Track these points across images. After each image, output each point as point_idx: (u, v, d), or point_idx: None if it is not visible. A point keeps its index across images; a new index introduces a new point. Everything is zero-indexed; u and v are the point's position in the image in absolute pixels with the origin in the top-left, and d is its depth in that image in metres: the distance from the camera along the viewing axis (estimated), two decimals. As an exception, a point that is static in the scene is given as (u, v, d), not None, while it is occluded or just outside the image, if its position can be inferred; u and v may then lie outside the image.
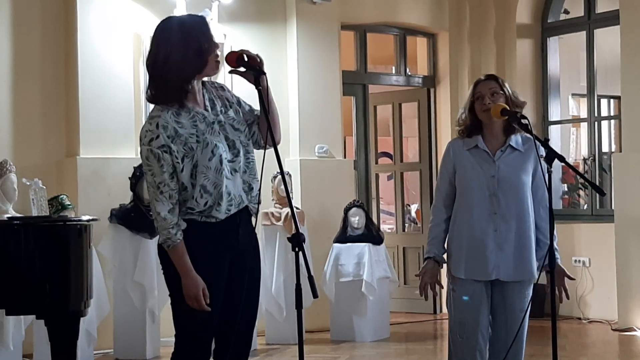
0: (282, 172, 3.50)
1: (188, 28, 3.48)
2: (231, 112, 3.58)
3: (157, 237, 3.52)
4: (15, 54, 7.65)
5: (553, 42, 9.94)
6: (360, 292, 7.98)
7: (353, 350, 7.71)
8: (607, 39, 9.50)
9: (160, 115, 3.44)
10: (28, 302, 4.94)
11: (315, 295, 3.22)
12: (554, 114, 9.97)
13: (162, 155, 3.41)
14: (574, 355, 7.25)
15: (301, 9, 8.72)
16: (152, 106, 3.54)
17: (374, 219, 9.23)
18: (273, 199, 8.02)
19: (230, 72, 3.55)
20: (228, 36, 8.32)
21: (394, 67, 10.12)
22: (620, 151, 8.96)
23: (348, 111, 9.64)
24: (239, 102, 3.64)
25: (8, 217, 5.83)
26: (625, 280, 8.43)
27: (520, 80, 9.61)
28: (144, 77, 7.66)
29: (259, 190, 3.60)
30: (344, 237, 8.19)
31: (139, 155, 3.54)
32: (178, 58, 3.42)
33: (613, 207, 8.72)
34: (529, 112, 4.55)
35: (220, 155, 3.46)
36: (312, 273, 3.23)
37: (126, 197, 7.39)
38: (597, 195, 9.28)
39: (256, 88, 3.47)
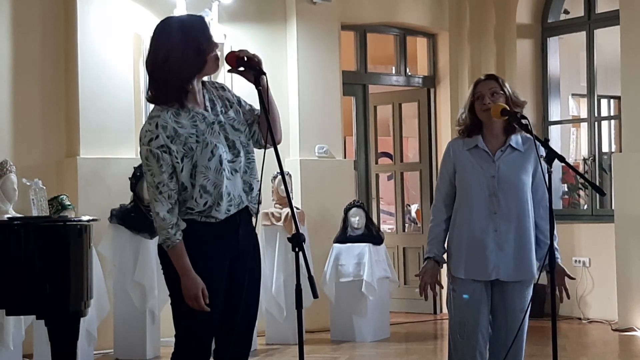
0: (282, 172, 3.50)
1: (187, 28, 3.48)
2: (231, 113, 3.58)
3: (157, 237, 3.52)
4: (15, 54, 7.65)
5: (553, 42, 9.94)
6: (361, 292, 7.98)
7: (353, 350, 7.71)
8: (607, 39, 9.50)
9: (159, 116, 3.44)
10: (28, 302, 4.93)
11: (315, 296, 3.22)
12: (554, 114, 9.98)
13: (161, 155, 3.41)
14: (574, 355, 7.25)
15: (301, 9, 8.72)
16: (152, 106, 3.54)
17: (374, 219, 9.24)
18: (273, 199, 8.02)
19: (229, 71, 3.55)
20: (228, 36, 8.32)
21: (394, 67, 10.12)
22: (621, 151, 8.96)
23: (348, 111, 9.64)
24: (239, 101, 3.64)
25: (8, 217, 5.83)
26: (625, 280, 8.43)
27: (520, 80, 9.61)
28: (144, 77, 7.66)
29: (259, 190, 3.60)
30: (344, 237, 8.19)
31: (139, 156, 3.54)
32: (178, 58, 3.42)
33: (613, 207, 8.72)
34: (529, 112, 4.55)
35: (220, 156, 3.46)
36: (312, 273, 3.24)
37: (126, 197, 7.39)
38: (597, 195, 9.28)
39: (256, 88, 3.47)
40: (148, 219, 6.90)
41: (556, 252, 4.12)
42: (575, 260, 9.06)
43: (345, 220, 8.24)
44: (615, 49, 8.92)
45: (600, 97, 9.82)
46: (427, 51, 10.11)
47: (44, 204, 6.37)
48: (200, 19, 3.57)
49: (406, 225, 10.71)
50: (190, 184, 3.45)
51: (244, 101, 3.66)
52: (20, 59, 7.66)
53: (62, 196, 6.78)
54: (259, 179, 3.60)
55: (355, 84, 9.57)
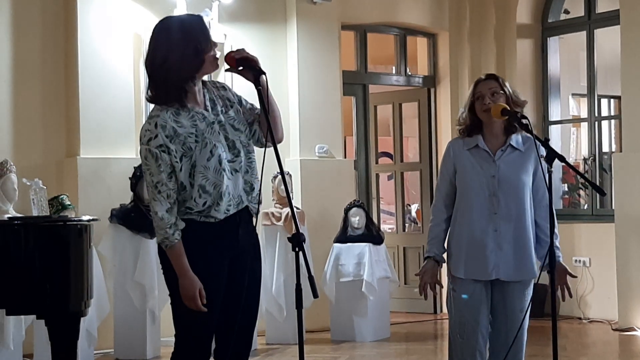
0: (282, 172, 3.50)
1: (186, 28, 3.48)
2: (232, 112, 3.58)
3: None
4: (15, 54, 7.65)
5: (553, 42, 9.94)
6: (361, 292, 7.98)
7: (353, 350, 7.71)
8: (607, 38, 9.50)
9: (159, 115, 3.44)
10: (28, 302, 4.94)
11: (315, 295, 3.22)
12: (554, 113, 9.98)
13: (160, 154, 3.41)
14: (575, 355, 7.25)
15: (301, 9, 8.72)
16: (152, 106, 3.54)
17: (374, 219, 9.23)
18: (273, 199, 8.02)
19: (227, 70, 3.56)
20: (228, 36, 8.32)
21: (394, 67, 10.12)
22: (621, 151, 8.96)
23: (348, 111, 9.64)
24: (240, 101, 3.64)
25: (8, 217, 5.83)
26: (625, 280, 8.43)
27: (521, 80, 9.61)
28: (144, 77, 7.64)
29: (260, 190, 3.60)
30: (344, 237, 8.19)
31: (139, 155, 3.55)
32: (177, 58, 3.42)
33: (613, 207, 8.72)
34: (529, 112, 4.55)
35: (220, 156, 3.46)
36: (312, 273, 3.24)
37: (126, 197, 7.39)
38: (598, 195, 9.28)
39: (256, 87, 3.47)
40: (148, 219, 6.89)
41: (557, 251, 4.12)
42: (576, 260, 9.06)
43: (346, 220, 8.24)
44: (615, 48, 8.92)
45: (600, 97, 9.82)
46: (427, 51, 10.11)
47: (44, 203, 6.37)
48: (199, 19, 3.57)
49: (406, 225, 10.71)
50: (189, 183, 3.45)
51: (245, 100, 3.66)
52: (20, 59, 7.66)
53: (62, 196, 6.78)
54: (259, 178, 3.60)
55: (356, 83, 9.57)
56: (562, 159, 3.85)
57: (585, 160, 10.32)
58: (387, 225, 11.02)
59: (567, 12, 10.05)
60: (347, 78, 9.29)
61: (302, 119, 8.73)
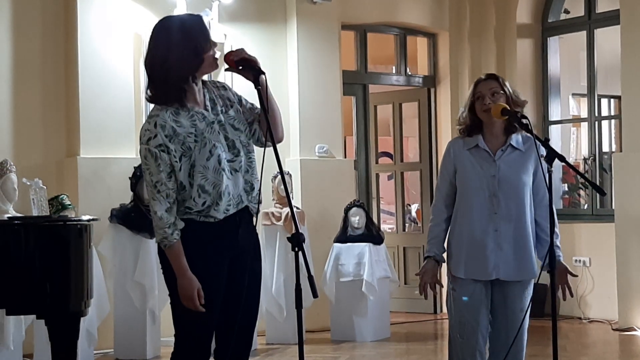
0: (282, 172, 3.49)
1: (186, 27, 3.48)
2: (232, 112, 3.58)
3: (156, 236, 3.52)
4: (15, 54, 7.65)
5: (553, 42, 9.94)
6: (361, 292, 7.98)
7: (353, 350, 7.71)
8: (608, 38, 9.50)
9: (158, 115, 3.44)
10: (28, 302, 4.93)
11: (315, 295, 3.22)
12: (554, 113, 9.98)
13: (159, 154, 3.41)
14: (575, 355, 7.25)
15: (301, 8, 8.72)
16: (152, 106, 3.54)
17: (374, 219, 9.23)
18: (273, 199, 8.02)
19: (227, 70, 3.56)
20: (228, 36, 8.32)
21: (394, 67, 10.12)
22: (621, 151, 8.96)
23: (348, 111, 9.64)
24: (240, 100, 3.64)
25: (8, 217, 5.83)
26: (625, 280, 8.43)
27: (521, 80, 9.61)
28: (144, 77, 7.63)
29: (259, 190, 3.60)
30: (344, 237, 8.19)
31: (139, 155, 3.55)
32: (176, 57, 3.42)
33: (613, 207, 8.72)
34: (529, 112, 4.55)
35: (219, 155, 3.46)
36: (312, 273, 3.24)
37: (126, 197, 7.39)
38: (598, 195, 9.28)
39: (255, 87, 3.47)
40: (148, 219, 6.86)
41: (558, 251, 4.12)
42: (576, 260, 9.06)
43: (346, 220, 8.24)
44: (615, 48, 8.92)
45: (600, 96, 9.82)
46: (427, 51, 10.11)
47: (44, 203, 6.37)
48: (199, 18, 3.57)
49: (406, 225, 10.71)
50: (188, 183, 3.46)
51: (245, 100, 3.66)
52: (20, 59, 7.66)
53: (62, 196, 6.78)
54: (260, 178, 3.60)
55: (356, 83, 9.57)
56: (562, 158, 3.85)
57: (585, 160, 10.32)
58: (387, 225, 11.02)
59: (567, 12, 10.05)
60: (347, 78, 9.29)
61: (302, 119, 8.73)
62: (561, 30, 9.94)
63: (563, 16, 10.00)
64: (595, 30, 9.39)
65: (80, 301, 5.03)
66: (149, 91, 3.52)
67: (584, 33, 9.52)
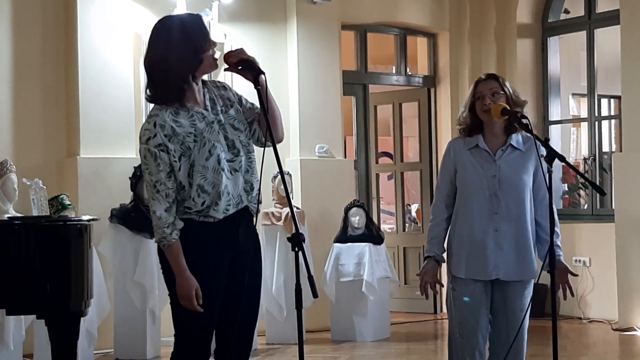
0: (281, 172, 3.49)
1: (186, 27, 3.48)
2: (232, 112, 3.58)
3: (156, 236, 3.51)
4: (15, 54, 7.65)
5: (553, 42, 9.94)
6: (361, 292, 7.98)
7: (353, 350, 7.71)
8: (608, 38, 9.49)
9: (158, 115, 3.45)
10: (28, 302, 4.93)
11: (315, 295, 3.22)
12: (555, 113, 9.98)
13: (158, 154, 3.41)
14: (575, 355, 7.25)
15: (301, 8, 8.72)
16: (152, 106, 3.54)
17: (375, 219, 9.23)
18: (273, 199, 8.02)
19: (226, 69, 3.56)
20: (228, 36, 8.32)
21: (394, 67, 10.12)
22: (621, 151, 8.96)
23: (348, 111, 9.64)
24: (240, 100, 3.64)
25: (8, 217, 5.83)
26: (625, 280, 8.43)
27: (521, 80, 9.61)
28: (144, 77, 7.63)
29: (259, 190, 3.60)
30: (344, 237, 8.19)
31: (139, 155, 3.55)
32: (176, 57, 3.42)
33: (613, 207, 8.72)
34: (529, 112, 4.55)
35: (218, 155, 3.46)
36: (313, 273, 3.24)
37: (126, 197, 7.39)
38: (598, 195, 9.28)
39: (255, 87, 3.47)
40: (148, 219, 6.82)
41: (558, 250, 4.12)
42: (576, 260, 9.06)
43: (346, 220, 8.23)
44: (615, 48, 8.92)
45: (600, 96, 9.82)
46: (427, 51, 10.11)
47: (44, 203, 6.37)
48: (199, 18, 3.57)
49: (406, 225, 10.71)
50: (188, 183, 3.46)
51: (246, 100, 3.66)
52: (20, 59, 7.66)
53: (62, 196, 6.78)
54: (259, 178, 3.60)
55: (356, 83, 9.56)
56: (562, 158, 3.85)
57: (585, 160, 10.32)
58: (387, 225, 11.02)
59: (567, 12, 10.05)
60: (347, 78, 9.29)
61: (302, 119, 8.73)
62: (561, 30, 9.94)
63: (563, 16, 10.00)
64: (595, 30, 9.39)
65: (80, 301, 5.03)
66: (148, 91, 3.52)
67: (584, 33, 9.52)
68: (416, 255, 9.89)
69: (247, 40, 8.36)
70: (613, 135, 11.01)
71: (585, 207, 10.26)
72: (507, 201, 4.14)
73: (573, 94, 11.71)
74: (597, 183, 9.33)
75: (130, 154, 7.71)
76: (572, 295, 4.17)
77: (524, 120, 4.02)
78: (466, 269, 4.18)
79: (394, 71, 10.10)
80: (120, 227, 7.28)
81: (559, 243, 4.15)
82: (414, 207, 11.37)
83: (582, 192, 10.85)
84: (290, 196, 7.59)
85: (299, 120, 8.70)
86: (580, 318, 9.00)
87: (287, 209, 7.86)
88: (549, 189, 3.89)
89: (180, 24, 3.51)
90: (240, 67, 3.52)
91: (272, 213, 7.95)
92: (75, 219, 5.35)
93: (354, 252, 8.06)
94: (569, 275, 4.16)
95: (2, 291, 4.89)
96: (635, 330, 8.24)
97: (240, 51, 3.52)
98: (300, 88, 8.73)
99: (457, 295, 4.21)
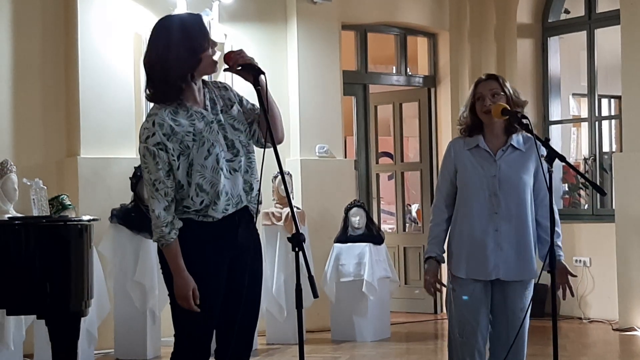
0: (282, 172, 3.49)
1: (185, 26, 3.49)
2: (232, 112, 3.58)
3: (157, 236, 3.51)
4: (15, 54, 7.65)
5: (554, 42, 9.94)
6: (361, 292, 7.98)
7: (354, 350, 7.70)
8: (608, 38, 9.49)
9: (157, 114, 3.45)
10: (29, 302, 4.93)
11: (315, 295, 3.22)
12: (555, 113, 9.98)
13: (157, 152, 3.41)
14: (575, 355, 7.25)
15: (301, 8, 8.72)
16: (152, 105, 3.55)
17: (375, 219, 9.23)
18: (274, 199, 8.02)
19: (226, 70, 3.56)
20: (228, 36, 8.31)
21: (394, 67, 10.12)
22: (621, 151, 8.96)
23: (348, 111, 9.64)
24: (241, 101, 3.64)
25: (9, 217, 5.83)
26: (625, 280, 8.43)
27: (521, 80, 9.61)
28: (144, 77, 7.65)
29: (259, 190, 3.60)
30: (344, 237, 8.19)
31: (138, 154, 3.55)
32: (174, 56, 3.43)
33: (614, 207, 8.72)
34: (529, 112, 4.56)
35: (217, 155, 3.46)
36: (313, 273, 3.24)
37: (127, 197, 7.39)
38: (598, 195, 9.28)
39: (255, 88, 3.47)
40: (148, 219, 6.77)
41: (559, 250, 4.12)
42: (576, 260, 9.06)
43: (346, 220, 8.23)
44: (615, 48, 8.92)
45: (600, 96, 9.82)
46: (427, 51, 10.11)
47: (44, 203, 6.37)
48: (198, 18, 3.58)
49: (407, 225, 10.71)
50: (186, 182, 3.46)
51: (246, 100, 3.66)
52: (21, 59, 7.66)
53: (62, 196, 6.78)
54: (259, 178, 3.59)
55: (356, 83, 9.56)
56: (562, 158, 3.85)
57: (585, 160, 10.32)
58: (387, 225, 11.02)
59: (567, 12, 10.05)
60: (347, 78, 9.29)
61: (302, 119, 8.73)
62: (561, 30, 9.94)
63: (563, 16, 10.00)
64: (595, 30, 9.39)
65: (80, 301, 5.04)
66: (148, 90, 3.53)
67: (584, 33, 9.52)
68: (416, 255, 9.89)
69: (247, 40, 8.36)
70: (613, 135, 11.01)
71: (586, 207, 10.26)
72: (507, 201, 4.14)
73: (573, 94, 11.71)
74: (598, 183, 9.33)
75: (130, 154, 7.71)
76: (572, 295, 4.18)
77: (524, 121, 4.02)
78: (466, 269, 4.18)
79: (394, 71, 10.10)
80: (121, 227, 7.28)
81: (559, 243, 4.15)
82: (414, 207, 11.37)
83: (582, 192, 10.85)
84: (291, 196, 7.58)
85: (299, 120, 8.70)
86: (580, 318, 9.00)
87: (287, 209, 7.86)
88: (549, 189, 3.89)
89: (180, 23, 3.51)
90: (239, 68, 3.52)
91: (273, 213, 7.95)
92: (76, 219, 5.35)
93: (354, 252, 8.06)
94: (569, 276, 4.16)
95: (3, 291, 4.89)
96: (636, 330, 8.24)
97: (240, 53, 3.52)
98: (300, 88, 8.73)
99: (457, 295, 4.21)
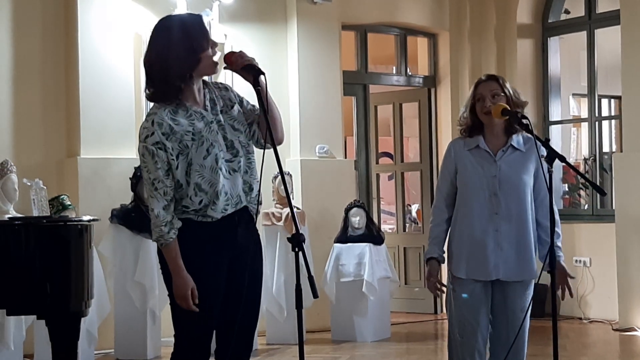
0: (282, 173, 3.49)
1: (185, 26, 3.49)
2: (232, 112, 3.58)
3: (157, 235, 3.51)
4: (15, 54, 7.65)
5: (554, 42, 9.94)
6: (361, 292, 7.98)
7: (354, 350, 7.71)
8: (608, 38, 9.49)
9: (156, 113, 3.46)
10: (29, 302, 4.93)
11: (315, 296, 3.22)
12: (555, 114, 9.98)
13: (156, 152, 3.42)
14: (575, 355, 7.25)
15: (302, 9, 8.72)
16: (152, 105, 3.55)
17: (375, 219, 9.23)
18: (274, 199, 8.02)
19: (226, 68, 3.56)
20: (228, 36, 8.31)
21: (394, 67, 10.12)
22: (621, 151, 8.96)
23: (349, 111, 9.64)
24: (241, 101, 3.64)
25: (9, 217, 5.83)
26: (625, 280, 8.43)
27: (521, 80, 9.61)
28: (144, 77, 7.65)
29: (259, 190, 3.60)
30: (344, 237, 8.19)
31: (138, 153, 3.55)
32: (174, 56, 3.43)
33: (614, 207, 8.72)
34: (529, 112, 4.55)
35: (216, 155, 3.46)
36: (313, 273, 3.24)
37: (127, 197, 7.39)
38: (598, 195, 9.28)
39: (254, 88, 3.47)
40: (149, 219, 6.80)
41: (558, 251, 4.12)
42: (576, 260, 9.06)
43: (346, 220, 8.24)
44: (615, 48, 8.92)
45: (600, 97, 9.82)
46: (427, 51, 10.11)
47: (44, 204, 6.37)
48: (198, 18, 3.58)
49: (407, 225, 10.71)
50: (185, 181, 3.46)
51: (247, 101, 3.66)
52: (21, 59, 7.67)
53: (62, 196, 6.78)
54: (259, 179, 3.59)
55: (356, 83, 9.56)
56: (562, 159, 3.85)
57: (585, 160, 10.32)
58: (387, 226, 11.02)
59: (567, 12, 10.05)
60: (347, 78, 9.29)
61: (302, 119, 8.73)
62: (561, 31, 9.94)
63: (563, 16, 10.00)
64: (595, 31, 9.39)
65: (80, 301, 5.04)
66: (147, 89, 3.54)
67: (584, 33, 9.52)
68: (416, 255, 9.89)
69: (248, 40, 8.37)
70: (613, 135, 11.01)
71: (586, 207, 10.26)
72: (508, 201, 4.14)
73: (573, 94, 11.71)
74: (598, 183, 9.33)
75: (130, 154, 7.71)
76: (571, 296, 4.18)
77: (524, 121, 4.03)
78: (466, 269, 4.19)
79: (394, 71, 10.10)
80: (121, 227, 7.29)
81: (559, 244, 4.15)
82: (415, 208, 11.37)
83: (582, 192, 10.85)
84: (291, 196, 7.59)
85: (299, 121, 8.70)
86: (580, 318, 9.01)
87: (287, 209, 7.86)
88: (550, 189, 3.89)
89: (180, 23, 3.52)
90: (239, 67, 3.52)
91: (273, 213, 7.95)
92: (76, 219, 5.35)
93: (355, 252, 8.06)
94: (567, 278, 4.16)
95: (3, 291, 4.89)
96: (636, 330, 8.24)
97: (240, 54, 3.51)
98: (300, 88, 8.73)
99: (457, 296, 4.21)
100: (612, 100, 11.32)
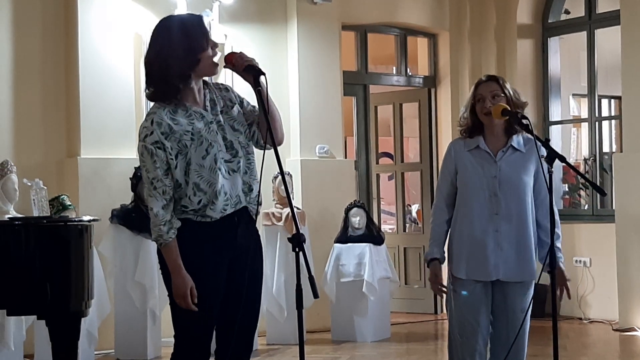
0: (282, 173, 3.49)
1: (186, 26, 3.49)
2: (232, 113, 3.58)
3: (157, 235, 3.51)
4: (15, 54, 7.65)
5: (554, 42, 9.94)
6: (361, 292, 7.98)
7: (354, 350, 7.71)
8: (608, 39, 9.50)
9: (156, 113, 3.46)
10: (29, 303, 4.93)
11: (315, 296, 3.22)
12: (555, 114, 9.98)
13: (155, 151, 3.42)
14: (575, 355, 7.25)
15: (302, 9, 8.72)
16: (152, 105, 3.56)
17: (375, 219, 9.23)
18: (274, 199, 8.02)
19: (226, 66, 3.56)
20: (229, 36, 8.31)
21: (394, 67, 10.12)
22: (621, 151, 8.96)
23: (349, 111, 9.64)
24: (241, 102, 3.64)
25: (9, 218, 5.83)
26: (626, 280, 8.43)
27: (521, 80, 9.61)
28: (144, 77, 7.65)
29: (259, 191, 3.60)
30: (344, 237, 8.19)
31: (138, 153, 3.56)
32: (174, 56, 3.43)
33: (614, 207, 8.72)
34: (529, 112, 4.55)
35: (215, 155, 3.46)
36: (313, 273, 3.24)
37: (127, 198, 7.39)
38: (598, 195, 9.28)
39: (254, 88, 3.47)
40: (149, 219, 6.84)
41: (558, 252, 4.11)
42: (576, 260, 9.07)
43: (346, 220, 8.24)
44: (615, 48, 8.92)
45: (600, 97, 9.83)
46: (427, 51, 10.11)
47: (44, 204, 6.37)
48: (198, 18, 3.58)
49: (407, 225, 10.71)
50: (184, 181, 3.46)
51: (247, 102, 3.66)
52: (21, 59, 7.66)
53: (62, 196, 6.78)
54: (259, 179, 3.59)
55: (356, 84, 9.56)
56: (562, 159, 3.85)
57: (585, 160, 10.32)
58: (387, 226, 11.02)
59: (567, 12, 10.05)
60: (347, 78, 9.29)
61: (302, 119, 8.73)
62: (561, 31, 9.94)
63: (563, 16, 10.00)
64: (595, 31, 9.39)
65: (80, 301, 5.04)
66: (147, 89, 3.54)
67: (584, 33, 9.52)
68: (416, 255, 9.89)
69: (248, 40, 8.37)
70: (613, 135, 11.01)
71: (586, 207, 10.26)
72: (508, 202, 4.14)
73: (573, 95, 11.71)
74: (598, 183, 9.34)
75: (130, 154, 7.71)
76: (569, 298, 4.18)
77: (524, 121, 4.03)
78: (467, 269, 4.18)
79: (394, 71, 10.11)
80: (121, 227, 7.28)
81: (559, 245, 4.15)
82: (415, 208, 11.37)
83: (582, 193, 10.85)
84: (291, 196, 7.58)
85: (299, 121, 8.70)
86: (580, 318, 9.01)
87: (287, 210, 7.86)
88: (550, 190, 3.89)
89: (180, 23, 3.52)
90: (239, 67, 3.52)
91: (273, 213, 7.95)
92: (76, 219, 5.35)
93: (355, 252, 8.07)
94: (566, 280, 4.16)
95: (3, 292, 4.89)
96: (636, 330, 8.24)
97: (240, 55, 3.51)
98: (300, 88, 8.73)
99: (457, 296, 4.21)
100: (612, 100, 11.33)
